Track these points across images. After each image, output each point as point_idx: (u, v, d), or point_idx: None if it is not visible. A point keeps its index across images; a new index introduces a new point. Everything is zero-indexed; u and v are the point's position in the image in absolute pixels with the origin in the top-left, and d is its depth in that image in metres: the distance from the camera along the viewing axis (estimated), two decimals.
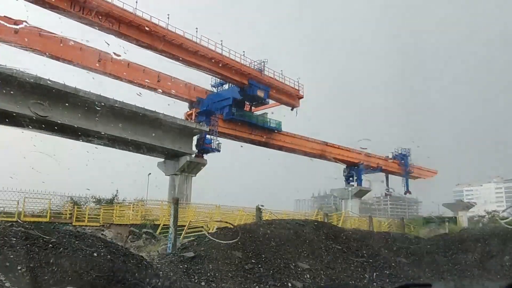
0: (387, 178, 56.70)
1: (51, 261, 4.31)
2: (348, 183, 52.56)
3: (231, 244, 7.52)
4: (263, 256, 7.25)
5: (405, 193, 59.40)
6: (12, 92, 24.29)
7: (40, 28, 26.67)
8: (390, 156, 56.32)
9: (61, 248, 4.70)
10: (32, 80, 24.51)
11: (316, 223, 10.07)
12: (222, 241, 7.66)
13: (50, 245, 4.66)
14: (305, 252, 7.85)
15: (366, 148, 42.11)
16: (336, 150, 48.35)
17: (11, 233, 4.61)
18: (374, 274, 7.58)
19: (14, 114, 23.60)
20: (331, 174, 52.64)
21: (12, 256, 4.15)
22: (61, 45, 28.61)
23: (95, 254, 5.05)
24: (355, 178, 52.38)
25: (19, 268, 4.20)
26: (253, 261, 7.09)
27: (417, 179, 58.75)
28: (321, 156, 45.50)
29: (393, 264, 8.30)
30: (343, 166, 52.15)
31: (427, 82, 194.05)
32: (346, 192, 51.55)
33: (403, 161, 56.18)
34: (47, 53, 26.44)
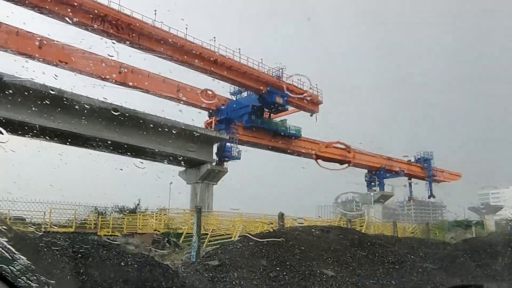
0: (410, 182, 55.80)
1: (81, 270, 4.41)
2: (370, 188, 51.93)
3: (255, 252, 7.53)
4: (288, 263, 7.23)
5: (428, 197, 58.34)
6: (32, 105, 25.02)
7: (63, 43, 27.38)
8: (413, 160, 55.50)
9: (90, 258, 4.81)
10: (55, 93, 25.10)
11: (340, 229, 10.00)
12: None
13: (80, 255, 4.76)
14: (329, 259, 7.79)
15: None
16: (357, 155, 47.86)
17: (42, 244, 4.73)
18: (401, 280, 7.46)
19: (38, 126, 24.24)
20: (353, 179, 52.13)
21: (43, 266, 4.26)
22: (83, 58, 29.26)
23: (122, 264, 5.14)
24: (377, 183, 51.73)
25: (50, 277, 4.29)
26: (277, 268, 7.07)
27: (441, 183, 57.61)
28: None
29: (420, 270, 8.14)
30: (364, 171, 51.66)
31: (450, 83, 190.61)
32: (368, 197, 50.97)
33: (426, 165, 55.22)
34: (71, 67, 27.08)
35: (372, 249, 8.82)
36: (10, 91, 22.51)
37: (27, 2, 24.32)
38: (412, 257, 8.90)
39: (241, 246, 8.12)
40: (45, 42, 26.55)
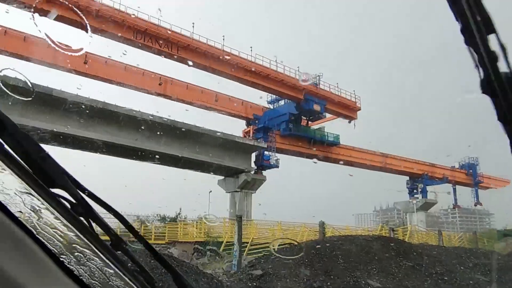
0: (454, 189, 53.81)
1: None
2: (412, 195, 50.41)
3: (298, 261, 7.49)
4: (332, 273, 7.14)
5: (475, 205, 55.99)
6: (79, 118, 26.17)
7: (106, 57, 28.49)
8: (457, 166, 53.56)
9: None
10: (100, 106, 26.11)
11: (384, 239, 9.77)
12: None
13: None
14: (374, 269, 7.63)
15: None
16: (397, 161, 46.75)
17: None
18: None
19: (83, 138, 25.26)
20: (393, 187, 50.86)
21: None
22: (125, 71, 30.32)
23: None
24: (419, 190, 50.19)
25: None
26: (321, 278, 6.99)
27: (488, 190, 55.16)
28: (382, 169, 44.19)
29: (470, 281, 7.82)
30: (406, 178, 50.35)
31: None
32: (411, 205, 49.47)
33: (471, 171, 53.09)
34: (113, 80, 28.10)
35: (418, 259, 8.56)
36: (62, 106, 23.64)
37: (70, 20, 25.47)
38: (461, 268, 8.57)
39: (283, 255, 8.10)
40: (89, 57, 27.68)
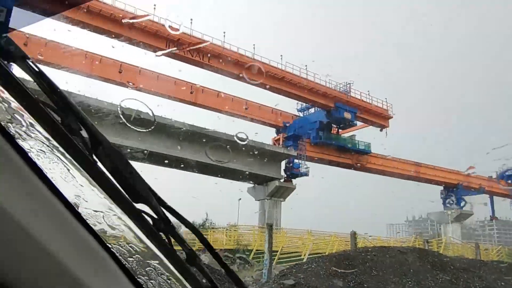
0: (491, 200, 51.87)
1: None
2: (447, 206, 48.91)
3: (330, 272, 7.39)
4: (365, 286, 7.01)
5: None
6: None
7: (140, 67, 29.21)
8: (494, 176, 51.69)
9: None
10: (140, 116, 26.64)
11: (419, 251, 9.52)
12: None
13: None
14: (410, 282, 7.43)
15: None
16: (431, 170, 45.52)
17: None
18: None
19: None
20: (427, 197, 49.54)
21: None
22: (157, 80, 30.97)
23: (204, 280, 5.27)
24: (454, 200, 48.64)
25: None
26: None
27: None
28: (414, 178, 43.15)
29: None
30: (440, 187, 48.94)
31: None
32: (445, 216, 47.98)
33: (509, 181, 51.04)
34: (147, 89, 28.70)
35: (456, 273, 8.28)
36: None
37: (104, 30, 26.26)
38: (502, 283, 8.23)
39: (315, 266, 8.01)
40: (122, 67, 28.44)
